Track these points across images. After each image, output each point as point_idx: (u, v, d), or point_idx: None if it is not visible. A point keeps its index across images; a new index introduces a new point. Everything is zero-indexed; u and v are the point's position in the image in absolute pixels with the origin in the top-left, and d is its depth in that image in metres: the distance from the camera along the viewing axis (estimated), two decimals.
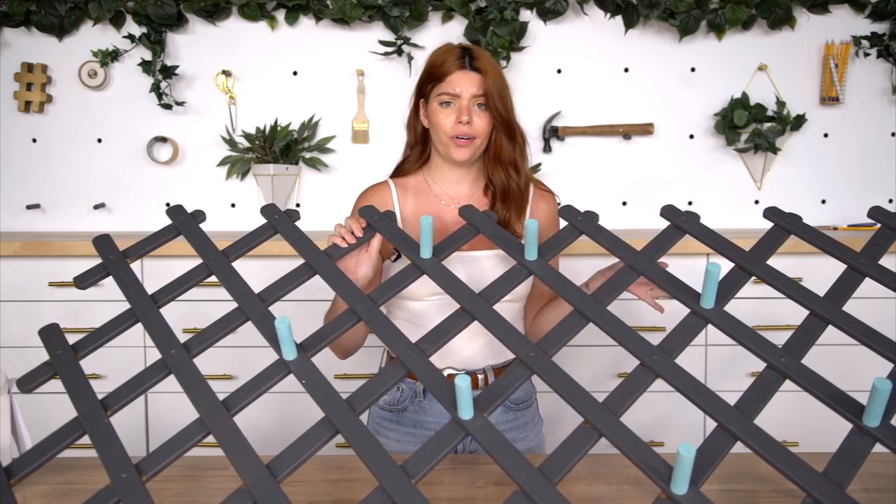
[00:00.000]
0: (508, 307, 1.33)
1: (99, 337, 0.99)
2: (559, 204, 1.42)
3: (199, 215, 1.15)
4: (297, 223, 1.14)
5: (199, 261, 1.13)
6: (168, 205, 2.61)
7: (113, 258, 1.05)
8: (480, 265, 1.29)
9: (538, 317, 1.42)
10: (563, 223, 1.41)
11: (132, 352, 2.13)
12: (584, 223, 1.10)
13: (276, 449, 0.90)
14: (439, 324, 0.96)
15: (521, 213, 1.35)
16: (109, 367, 2.14)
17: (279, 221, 1.13)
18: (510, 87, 1.32)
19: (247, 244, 1.10)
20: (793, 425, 2.11)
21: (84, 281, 1.05)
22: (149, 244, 1.09)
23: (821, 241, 1.02)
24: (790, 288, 0.97)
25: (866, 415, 0.80)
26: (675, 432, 2.13)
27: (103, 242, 1.08)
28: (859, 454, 0.76)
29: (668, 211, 1.10)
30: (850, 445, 0.78)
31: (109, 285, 2.17)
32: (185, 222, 1.12)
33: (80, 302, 2.12)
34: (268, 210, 1.15)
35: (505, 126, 1.29)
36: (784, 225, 1.05)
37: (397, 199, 1.35)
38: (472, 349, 1.31)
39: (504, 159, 1.32)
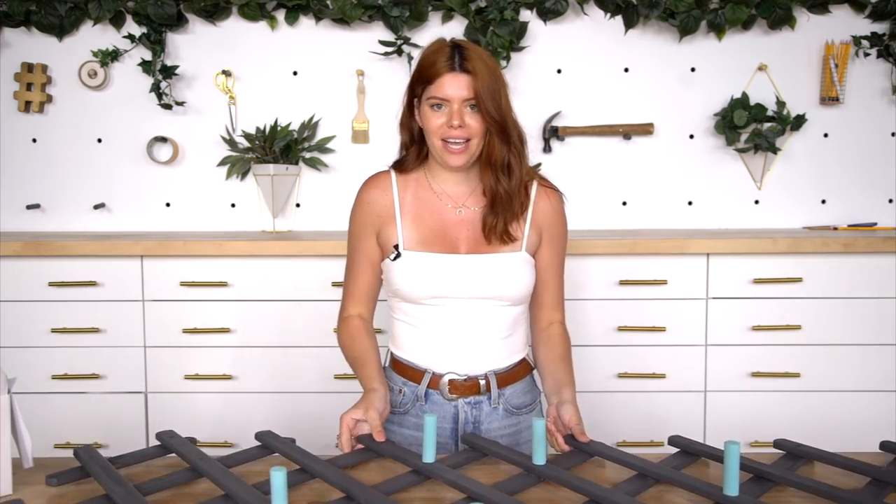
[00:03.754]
0: (507, 311, 1.32)
1: None
2: (565, 202, 1.40)
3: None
4: None
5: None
6: (168, 205, 2.61)
7: None
8: (483, 266, 1.29)
9: (539, 350, 1.38)
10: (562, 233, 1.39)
11: (133, 351, 2.13)
12: (594, 447, 1.12)
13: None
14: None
15: (521, 215, 1.32)
16: (110, 367, 2.13)
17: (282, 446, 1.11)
18: (506, 83, 1.28)
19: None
20: (793, 426, 2.11)
21: None
22: None
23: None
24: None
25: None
26: (674, 433, 2.13)
27: None
28: None
29: (674, 441, 1.16)
30: None
31: (109, 285, 2.18)
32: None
33: (80, 302, 2.12)
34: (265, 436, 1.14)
35: (498, 128, 1.25)
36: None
37: (397, 191, 1.34)
38: (476, 354, 1.31)
39: (494, 162, 1.27)
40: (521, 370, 1.36)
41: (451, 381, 1.30)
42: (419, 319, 1.31)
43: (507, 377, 1.33)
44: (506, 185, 1.28)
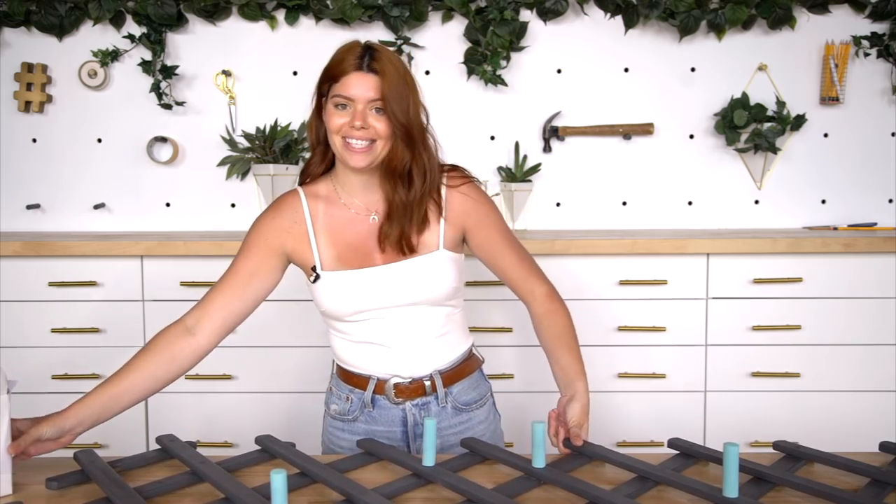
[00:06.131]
0: (437, 311, 1.29)
1: None
2: (474, 181, 1.33)
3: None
4: None
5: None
6: (168, 205, 2.60)
7: None
8: (401, 274, 1.26)
9: (538, 336, 1.35)
10: (472, 212, 1.31)
11: (132, 352, 2.12)
12: (594, 449, 1.11)
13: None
14: None
15: (425, 222, 1.27)
16: (110, 367, 2.13)
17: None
18: (418, 90, 1.23)
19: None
20: (793, 426, 2.11)
21: None
22: None
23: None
24: None
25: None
26: (674, 433, 2.13)
27: None
28: None
29: (674, 443, 1.14)
30: None
31: (109, 285, 2.18)
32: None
33: (80, 302, 2.12)
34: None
35: (403, 133, 1.20)
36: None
37: (308, 210, 1.29)
38: (417, 357, 1.29)
39: (395, 169, 1.22)
40: (466, 367, 1.34)
41: (396, 385, 1.28)
42: (352, 334, 1.30)
43: (452, 375, 1.32)
44: (403, 196, 1.23)
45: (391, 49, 1.26)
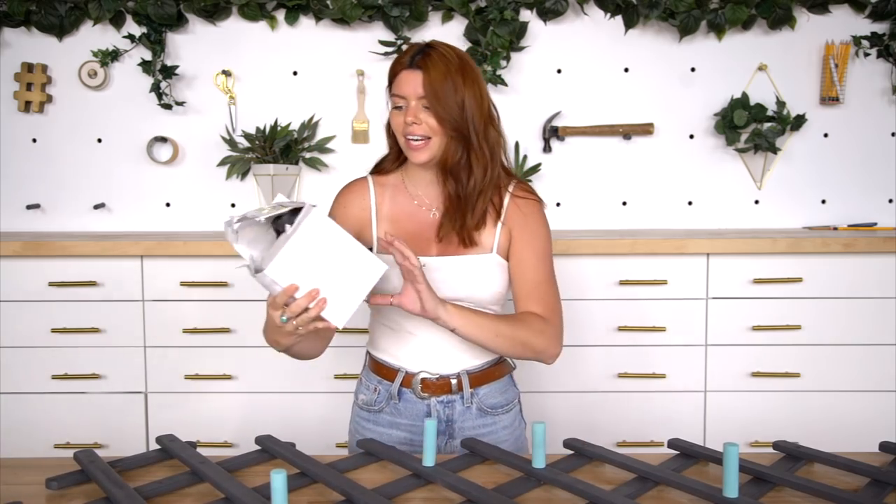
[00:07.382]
0: None
1: None
2: (541, 202, 1.35)
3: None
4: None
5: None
6: (168, 205, 2.60)
7: None
8: (452, 269, 1.28)
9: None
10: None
11: (133, 351, 2.13)
12: (591, 448, 1.11)
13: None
14: None
15: (495, 218, 1.30)
16: (110, 367, 2.13)
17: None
18: (478, 83, 1.24)
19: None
20: (793, 426, 2.11)
21: None
22: None
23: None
24: None
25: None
26: (674, 433, 2.13)
27: None
28: None
29: (674, 444, 1.14)
30: None
31: (109, 285, 2.18)
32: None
33: (80, 302, 2.12)
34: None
35: (451, 128, 1.22)
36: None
37: (374, 197, 1.35)
38: (446, 354, 1.30)
39: (448, 165, 1.25)
40: (496, 370, 1.35)
41: (423, 380, 1.30)
42: (393, 319, 1.32)
43: (480, 377, 1.33)
44: (452, 189, 1.27)
45: (447, 46, 1.27)
